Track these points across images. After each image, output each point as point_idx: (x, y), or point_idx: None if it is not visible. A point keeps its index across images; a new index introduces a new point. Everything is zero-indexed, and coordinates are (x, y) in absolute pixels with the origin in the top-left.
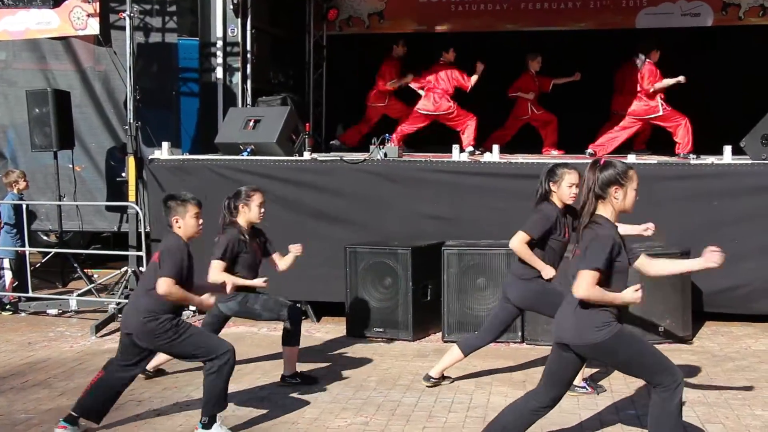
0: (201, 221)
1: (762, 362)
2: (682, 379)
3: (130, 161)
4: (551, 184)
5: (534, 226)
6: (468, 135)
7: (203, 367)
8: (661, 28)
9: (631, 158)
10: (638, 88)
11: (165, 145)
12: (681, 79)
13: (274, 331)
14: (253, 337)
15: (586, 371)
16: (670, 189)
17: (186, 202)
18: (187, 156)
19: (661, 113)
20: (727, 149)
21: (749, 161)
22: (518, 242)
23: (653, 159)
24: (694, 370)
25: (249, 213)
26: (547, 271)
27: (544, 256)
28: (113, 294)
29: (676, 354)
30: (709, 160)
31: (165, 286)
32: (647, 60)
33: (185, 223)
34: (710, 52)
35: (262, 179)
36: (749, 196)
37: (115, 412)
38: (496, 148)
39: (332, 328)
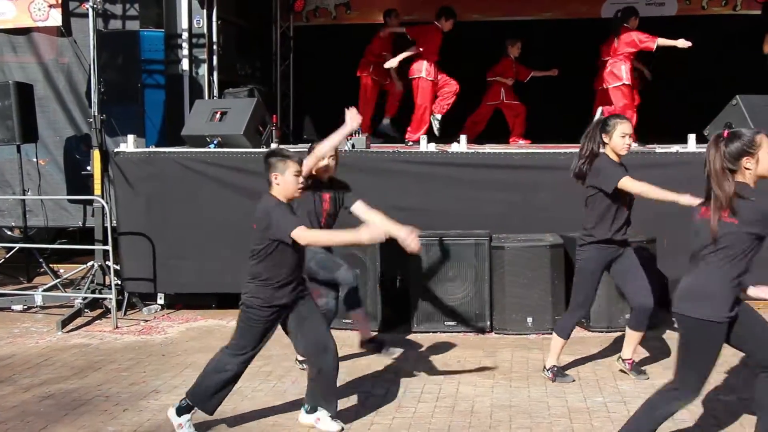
0: (301, 180)
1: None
2: None
3: (95, 155)
4: (603, 135)
5: (618, 171)
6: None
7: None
8: None
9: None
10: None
11: (130, 137)
12: (682, 42)
13: None
14: (222, 330)
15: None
16: (636, 177)
17: (287, 158)
18: (153, 149)
19: (623, 83)
20: (692, 138)
21: None
22: (632, 184)
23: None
24: (659, 357)
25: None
26: (686, 198)
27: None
28: (79, 289)
29: (642, 342)
30: (674, 148)
31: (302, 234)
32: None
33: (284, 179)
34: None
35: (230, 171)
36: None
37: (82, 407)
38: (463, 138)
39: None
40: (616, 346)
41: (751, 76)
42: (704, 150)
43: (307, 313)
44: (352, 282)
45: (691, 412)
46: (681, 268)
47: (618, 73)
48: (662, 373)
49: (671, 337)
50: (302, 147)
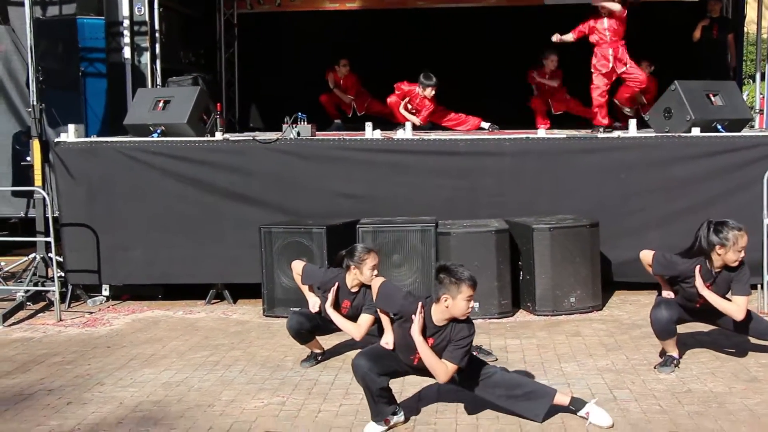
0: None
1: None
2: None
3: (35, 145)
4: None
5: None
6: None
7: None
8: (570, 5)
9: (541, 133)
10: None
11: (71, 127)
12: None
13: (190, 314)
14: (168, 321)
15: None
16: (579, 162)
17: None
18: (95, 138)
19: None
20: (632, 123)
21: (653, 134)
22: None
23: (562, 133)
24: (603, 339)
25: (360, 275)
26: None
27: None
28: (21, 282)
29: (586, 324)
30: (616, 133)
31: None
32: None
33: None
34: None
35: (174, 160)
36: (654, 168)
37: (24, 402)
38: (408, 125)
39: (249, 310)
40: (559, 329)
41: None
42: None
43: None
44: None
45: (633, 392)
46: (622, 250)
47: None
48: (606, 354)
49: (615, 320)
50: (246, 136)
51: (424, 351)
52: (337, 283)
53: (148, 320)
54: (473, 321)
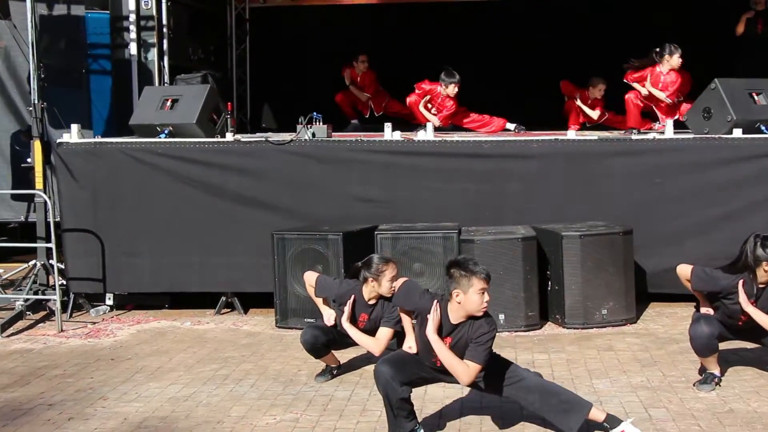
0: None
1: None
2: None
3: (36, 145)
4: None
5: None
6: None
7: None
8: None
9: (571, 134)
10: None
11: (74, 127)
12: None
13: (199, 324)
14: (175, 332)
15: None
16: (612, 166)
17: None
18: (99, 139)
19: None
20: (669, 123)
21: (691, 136)
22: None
23: (593, 135)
24: (637, 354)
25: (379, 288)
26: None
27: None
28: (21, 290)
29: (619, 338)
30: (651, 135)
31: None
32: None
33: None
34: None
35: (182, 163)
36: (692, 172)
37: (23, 417)
38: (429, 126)
39: (261, 320)
40: (590, 343)
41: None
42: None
43: None
44: None
45: (670, 411)
46: (658, 259)
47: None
48: (640, 371)
49: (647, 333)
50: (258, 137)
51: (441, 351)
52: (353, 296)
53: (154, 331)
54: (492, 318)
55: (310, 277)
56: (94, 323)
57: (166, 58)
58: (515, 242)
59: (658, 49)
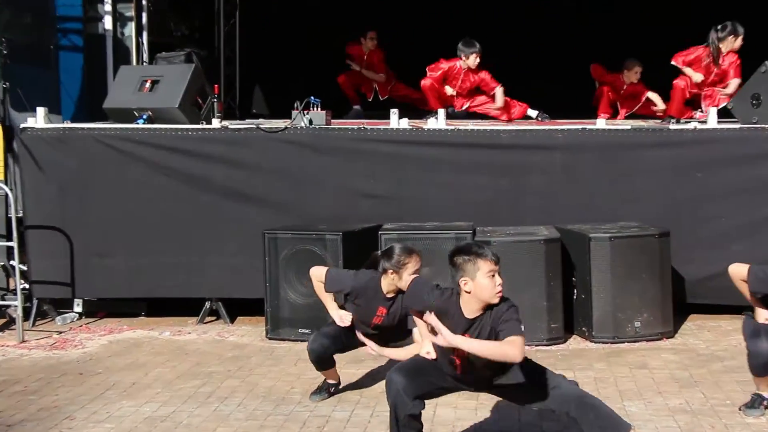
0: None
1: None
2: None
3: None
4: None
5: None
6: None
7: None
8: None
9: (600, 123)
10: None
11: (41, 110)
12: None
13: (179, 335)
14: (153, 343)
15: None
16: (647, 159)
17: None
18: (68, 124)
19: None
20: (712, 112)
21: (737, 126)
22: None
23: (626, 123)
24: (675, 373)
25: (399, 281)
26: None
27: None
28: None
29: (654, 353)
30: (692, 124)
31: None
32: None
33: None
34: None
35: (162, 152)
36: (738, 167)
37: None
38: (441, 113)
39: (249, 330)
40: (622, 360)
41: None
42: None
43: None
44: None
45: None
46: (699, 264)
47: None
48: (679, 392)
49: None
50: (249, 124)
51: (474, 346)
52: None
53: (129, 342)
54: (511, 300)
55: (318, 272)
56: (61, 333)
57: (145, 34)
58: (537, 245)
59: (719, 27)
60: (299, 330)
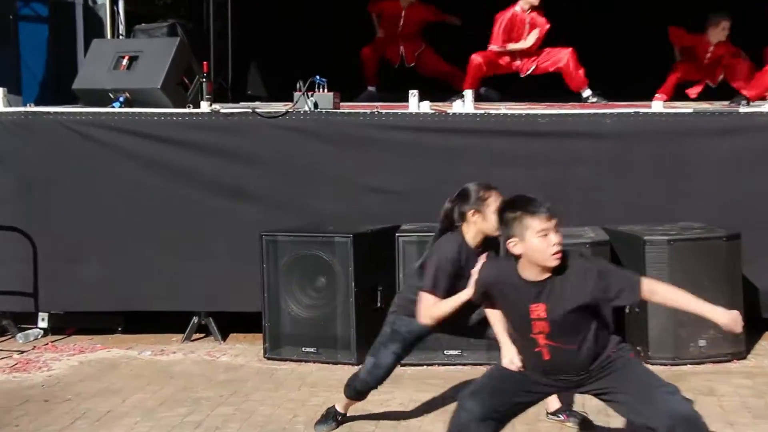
0: None
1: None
2: None
3: None
4: None
5: None
6: None
7: None
8: None
9: (657, 106)
10: None
11: None
12: None
13: (162, 354)
14: (131, 364)
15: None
16: (712, 148)
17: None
18: (31, 108)
19: None
20: None
21: None
22: None
23: (687, 107)
24: (748, 400)
25: (483, 223)
26: None
27: None
28: None
29: (722, 377)
30: (766, 106)
31: None
32: None
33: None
34: None
35: (142, 140)
36: None
37: None
38: (468, 94)
39: (245, 349)
40: (684, 384)
41: None
42: None
43: None
44: None
45: None
46: None
47: None
48: (753, 423)
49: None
50: (243, 108)
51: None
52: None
53: (103, 363)
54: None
55: (427, 300)
56: (23, 352)
57: (121, 2)
58: (581, 249)
59: None
60: (303, 348)
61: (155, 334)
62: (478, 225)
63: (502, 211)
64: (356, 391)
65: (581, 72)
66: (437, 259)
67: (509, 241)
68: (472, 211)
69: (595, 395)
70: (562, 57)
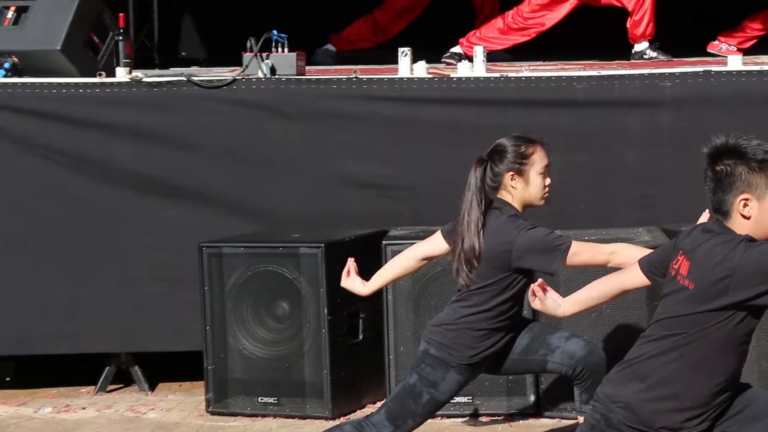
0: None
1: None
2: None
3: None
4: None
5: None
6: None
7: None
8: None
9: (734, 63)
10: None
11: None
12: None
13: (68, 411)
14: (26, 426)
15: None
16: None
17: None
18: None
19: None
20: None
21: None
22: None
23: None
24: None
25: (526, 189)
26: None
27: None
28: None
29: None
30: None
31: None
32: None
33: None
34: None
35: (36, 120)
36: None
37: None
38: (479, 50)
39: (180, 402)
40: None
41: None
42: None
43: None
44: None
45: None
46: None
47: None
48: None
49: None
50: (175, 75)
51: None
52: None
53: None
54: None
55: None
56: None
57: None
58: None
59: None
60: (259, 399)
61: (57, 387)
62: (522, 193)
63: (725, 156)
64: None
65: (649, 12)
66: (533, 235)
67: (741, 197)
68: (511, 173)
69: None
70: None
